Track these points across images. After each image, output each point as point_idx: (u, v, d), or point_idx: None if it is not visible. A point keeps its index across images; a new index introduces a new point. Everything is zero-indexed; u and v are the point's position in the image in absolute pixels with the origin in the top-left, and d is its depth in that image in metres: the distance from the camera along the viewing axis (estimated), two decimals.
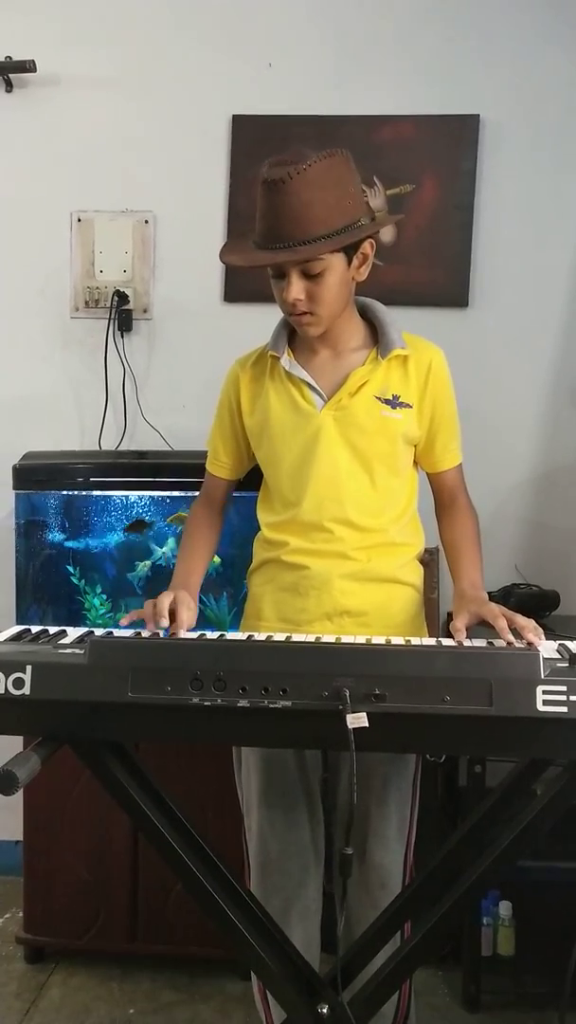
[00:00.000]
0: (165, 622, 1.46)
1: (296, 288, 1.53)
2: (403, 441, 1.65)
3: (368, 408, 1.62)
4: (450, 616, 1.48)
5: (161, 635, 1.45)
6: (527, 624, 1.38)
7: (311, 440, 1.63)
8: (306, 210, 1.48)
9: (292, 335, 1.70)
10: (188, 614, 1.52)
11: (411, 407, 1.64)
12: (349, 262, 1.57)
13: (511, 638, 1.35)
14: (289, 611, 1.64)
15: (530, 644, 1.33)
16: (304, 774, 1.65)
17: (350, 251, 1.56)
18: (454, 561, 1.67)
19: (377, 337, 1.66)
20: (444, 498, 1.74)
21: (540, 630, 1.39)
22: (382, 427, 1.62)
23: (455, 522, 1.71)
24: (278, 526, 1.68)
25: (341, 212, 1.51)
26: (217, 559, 2.20)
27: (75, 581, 2.29)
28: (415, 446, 1.69)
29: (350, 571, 1.62)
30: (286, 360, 1.66)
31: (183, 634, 1.47)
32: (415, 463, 1.73)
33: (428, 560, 2.38)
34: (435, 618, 2.37)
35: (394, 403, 1.62)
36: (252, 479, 1.78)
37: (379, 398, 1.62)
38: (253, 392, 1.70)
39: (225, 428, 1.76)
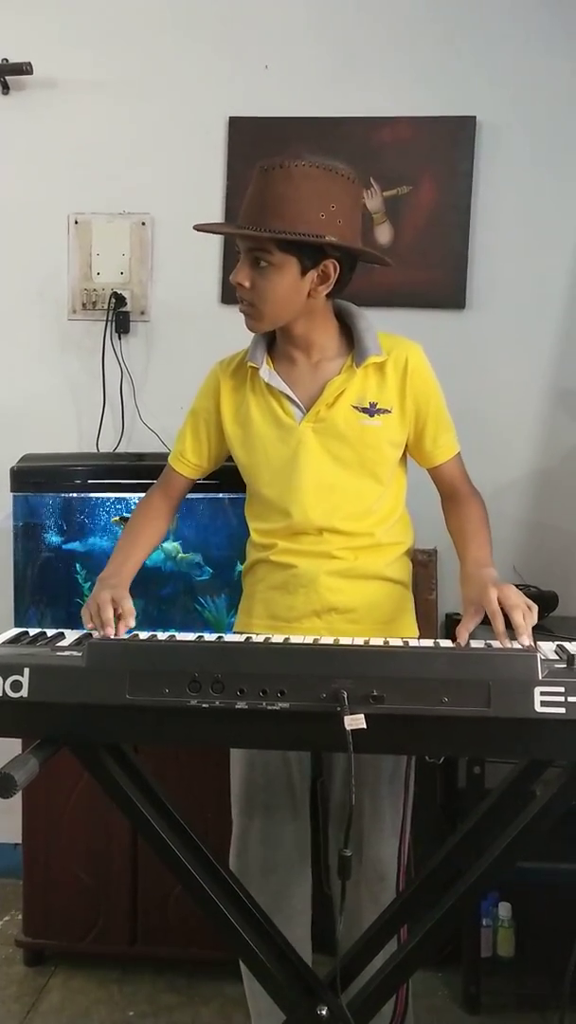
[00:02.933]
0: (111, 631, 1.42)
1: (242, 272, 1.55)
2: (386, 447, 1.64)
3: (346, 418, 1.62)
4: (449, 618, 1.48)
5: (160, 636, 1.45)
6: (522, 625, 1.36)
7: (293, 453, 1.63)
8: (274, 201, 1.49)
9: (271, 344, 1.69)
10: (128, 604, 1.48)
11: (391, 412, 1.63)
12: (303, 272, 1.53)
13: (508, 643, 1.35)
14: (279, 609, 1.66)
15: (528, 646, 1.33)
16: (287, 768, 1.67)
17: (306, 261, 1.52)
18: (460, 546, 1.64)
19: (354, 343, 1.65)
20: (445, 490, 1.73)
21: (533, 609, 1.38)
22: (362, 436, 1.62)
23: (459, 511, 1.69)
24: (266, 532, 1.69)
25: (306, 220, 1.48)
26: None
27: (81, 582, 2.29)
28: (406, 446, 1.68)
29: (336, 568, 1.63)
30: (265, 371, 1.65)
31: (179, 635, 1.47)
32: (405, 461, 1.72)
33: (426, 561, 2.38)
34: (433, 619, 2.37)
35: (372, 411, 1.62)
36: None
37: (356, 407, 1.62)
38: (235, 402, 1.70)
39: (199, 430, 1.74)
